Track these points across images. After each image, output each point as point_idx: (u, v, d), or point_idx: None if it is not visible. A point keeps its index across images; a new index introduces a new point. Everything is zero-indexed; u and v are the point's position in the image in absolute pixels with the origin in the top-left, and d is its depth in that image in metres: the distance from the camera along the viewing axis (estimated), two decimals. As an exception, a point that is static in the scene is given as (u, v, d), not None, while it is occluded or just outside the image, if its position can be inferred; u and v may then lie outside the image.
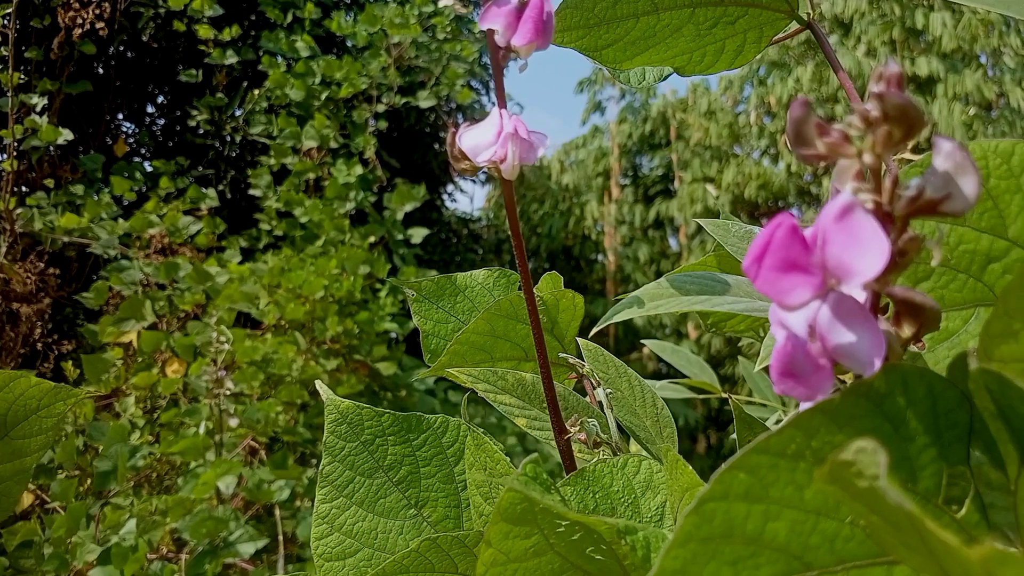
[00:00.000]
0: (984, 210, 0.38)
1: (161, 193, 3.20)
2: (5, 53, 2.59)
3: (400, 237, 3.24)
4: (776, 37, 0.60)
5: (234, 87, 3.28)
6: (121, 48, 3.47)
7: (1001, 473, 0.31)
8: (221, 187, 3.39)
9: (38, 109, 2.86)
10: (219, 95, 3.23)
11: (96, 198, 3.19)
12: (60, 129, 3.02)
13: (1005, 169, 0.38)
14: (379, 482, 0.67)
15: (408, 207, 3.11)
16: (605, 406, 0.57)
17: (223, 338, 2.63)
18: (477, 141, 0.44)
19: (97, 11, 2.86)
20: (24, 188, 3.25)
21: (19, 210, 3.00)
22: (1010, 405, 0.28)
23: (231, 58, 3.16)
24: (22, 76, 2.73)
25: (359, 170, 3.13)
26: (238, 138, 3.31)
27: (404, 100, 3.28)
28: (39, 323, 3.22)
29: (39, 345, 3.25)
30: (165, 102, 3.59)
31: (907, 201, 0.30)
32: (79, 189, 3.11)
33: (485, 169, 0.45)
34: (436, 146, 3.50)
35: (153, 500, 2.24)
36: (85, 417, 2.63)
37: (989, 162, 0.38)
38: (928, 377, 0.31)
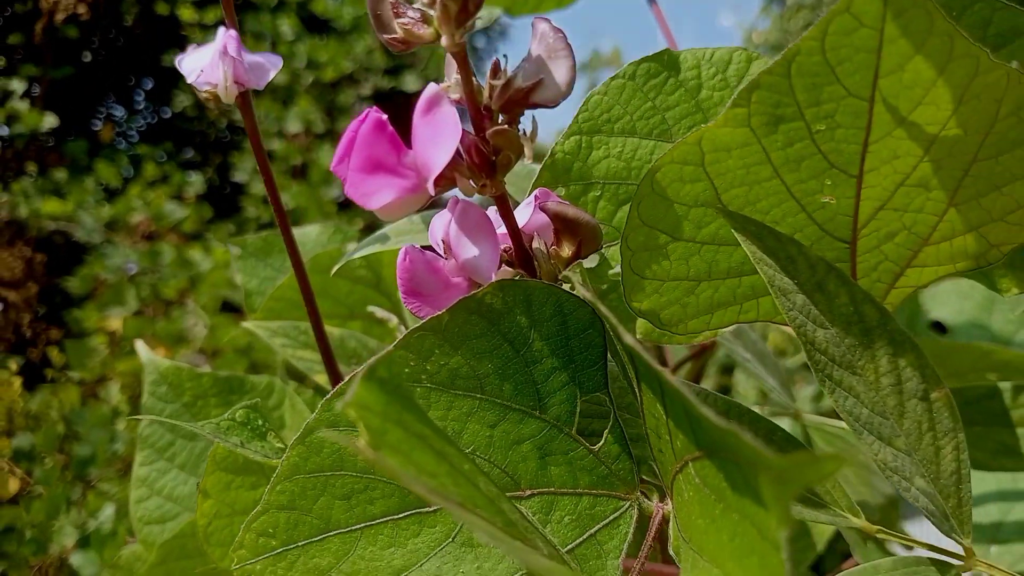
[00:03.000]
0: (693, 124, 0.35)
1: (148, 179, 3.22)
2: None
3: (388, 223, 3.22)
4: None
5: (219, 71, 3.27)
6: (111, 35, 3.48)
7: (635, 399, 0.29)
8: (208, 173, 3.39)
9: (19, 94, 2.87)
10: (202, 80, 3.22)
11: (81, 184, 3.20)
12: (44, 115, 3.04)
13: (720, 80, 0.35)
14: (202, 445, 0.65)
15: (394, 192, 3.09)
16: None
17: (200, 323, 2.63)
18: (196, 63, 0.41)
19: (78, -5, 2.87)
20: (11, 174, 3.28)
21: (5, 196, 3.02)
22: (603, 319, 0.25)
23: None
24: (2, 62, 2.75)
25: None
26: (224, 123, 3.30)
27: (390, 84, 3.26)
28: (27, 309, 3.24)
29: (28, 332, 3.28)
30: (152, 87, 3.60)
31: (499, 91, 0.27)
32: (63, 175, 3.12)
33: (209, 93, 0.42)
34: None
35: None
36: (72, 404, 2.64)
37: (702, 72, 0.35)
38: (556, 295, 0.28)
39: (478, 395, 0.29)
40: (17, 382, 2.75)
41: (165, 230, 3.21)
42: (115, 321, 2.96)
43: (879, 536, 0.30)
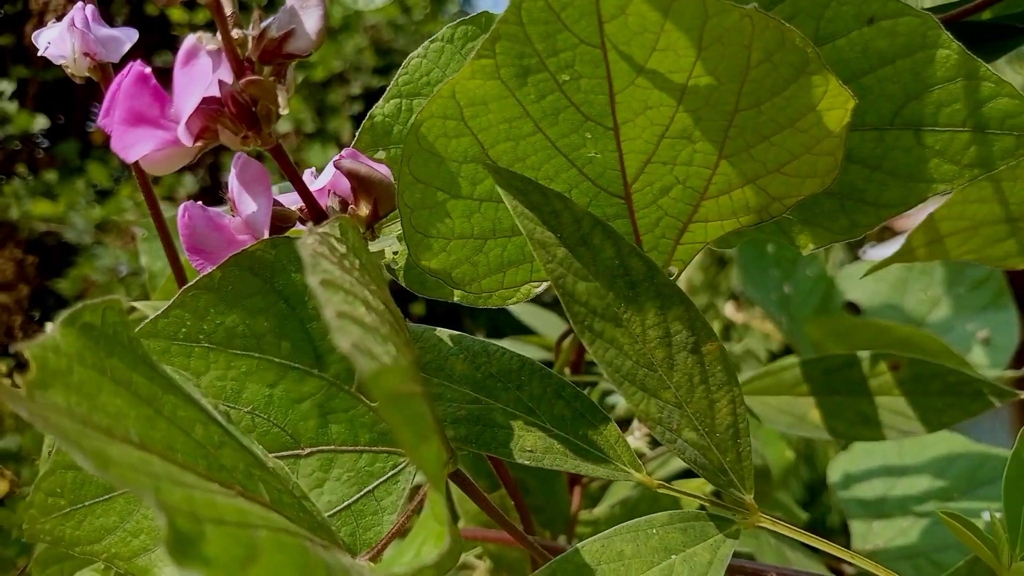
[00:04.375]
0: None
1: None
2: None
3: (377, 221, 3.24)
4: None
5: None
6: (103, 36, 3.49)
7: (410, 355, 0.28)
8: (199, 174, 3.42)
9: (7, 95, 2.90)
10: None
11: (72, 185, 3.22)
12: (35, 116, 3.06)
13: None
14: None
15: (382, 190, 3.11)
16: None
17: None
18: (48, 37, 0.42)
19: (66, -4, 2.89)
20: (2, 176, 3.31)
21: (-5, 198, 3.05)
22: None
23: (200, 16, 3.18)
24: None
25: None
26: (214, 123, 3.32)
27: (380, 83, 3.28)
28: (19, 311, 3.26)
29: (20, 334, 3.30)
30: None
31: (254, 42, 0.27)
32: (54, 176, 3.15)
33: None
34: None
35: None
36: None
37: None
38: (332, 251, 0.28)
39: (256, 354, 0.29)
40: (7, 383, 2.76)
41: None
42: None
43: (660, 491, 0.30)
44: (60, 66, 0.43)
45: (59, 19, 0.44)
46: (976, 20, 0.40)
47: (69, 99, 3.45)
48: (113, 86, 0.28)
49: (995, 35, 0.40)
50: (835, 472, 0.56)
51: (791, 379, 0.48)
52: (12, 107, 3.09)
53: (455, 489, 0.34)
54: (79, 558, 0.59)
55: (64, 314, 0.22)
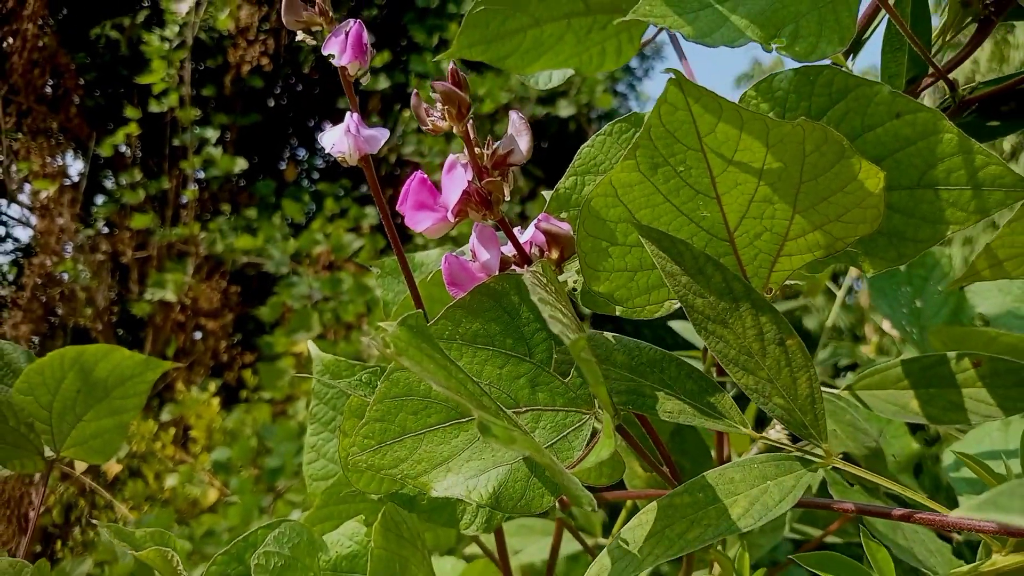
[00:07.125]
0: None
1: (328, 213, 3.62)
2: (183, 94, 3.11)
3: (548, 245, 3.44)
4: (644, 39, 0.75)
5: (387, 110, 3.64)
6: (292, 82, 3.94)
7: (589, 347, 0.46)
8: (380, 205, 3.75)
9: (212, 141, 3.34)
10: (373, 118, 3.60)
11: (269, 220, 3.64)
12: (235, 159, 3.50)
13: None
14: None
15: (552, 215, 3.31)
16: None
17: (375, 344, 2.95)
18: (331, 139, 0.63)
19: (262, 48, 3.31)
20: (208, 214, 3.78)
21: (203, 234, 3.51)
22: (536, 303, 0.44)
23: (383, 83, 3.51)
24: (198, 113, 3.24)
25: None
26: (393, 158, 3.65)
27: (544, 111, 3.49)
28: (224, 336, 3.72)
29: (225, 357, 3.75)
30: (328, 128, 4.05)
31: (489, 157, 0.46)
32: (253, 213, 3.58)
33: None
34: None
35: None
36: (264, 421, 3.03)
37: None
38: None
39: (491, 348, 0.48)
40: (215, 402, 3.19)
41: (343, 260, 3.59)
42: (301, 344, 3.35)
43: (760, 440, 0.46)
44: (336, 156, 0.64)
45: (333, 124, 0.65)
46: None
47: (264, 141, 3.92)
48: (405, 186, 0.47)
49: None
50: (948, 456, 0.68)
51: (895, 376, 0.62)
52: (217, 151, 3.54)
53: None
54: (337, 520, 0.80)
55: (400, 318, 0.41)
